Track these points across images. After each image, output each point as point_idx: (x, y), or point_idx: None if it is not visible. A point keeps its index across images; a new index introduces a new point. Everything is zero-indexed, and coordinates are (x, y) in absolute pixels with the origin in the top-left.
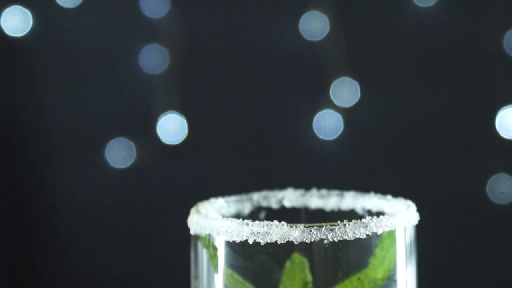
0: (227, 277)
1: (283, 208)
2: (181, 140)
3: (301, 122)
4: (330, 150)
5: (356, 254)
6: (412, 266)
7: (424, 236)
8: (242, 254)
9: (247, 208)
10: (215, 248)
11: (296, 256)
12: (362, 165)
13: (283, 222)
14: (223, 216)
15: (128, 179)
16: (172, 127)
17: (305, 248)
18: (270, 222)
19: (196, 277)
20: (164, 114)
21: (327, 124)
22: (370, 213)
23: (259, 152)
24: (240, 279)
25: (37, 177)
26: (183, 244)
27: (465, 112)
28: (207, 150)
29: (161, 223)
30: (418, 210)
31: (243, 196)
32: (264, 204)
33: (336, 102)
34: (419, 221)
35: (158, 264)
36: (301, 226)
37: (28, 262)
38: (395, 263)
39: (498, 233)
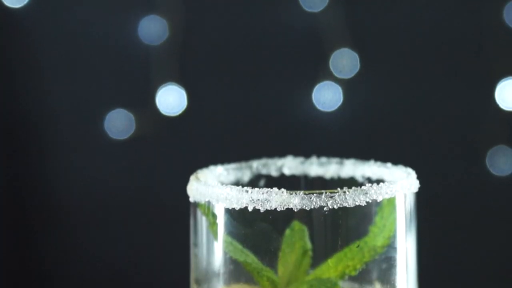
0: (226, 244)
1: (282, 176)
2: (180, 112)
3: (300, 94)
4: (330, 121)
5: (356, 222)
6: (412, 234)
7: (424, 205)
8: (242, 221)
9: (246, 176)
10: (214, 216)
11: (296, 224)
12: (361, 136)
13: (282, 189)
14: (223, 184)
15: (128, 150)
16: (171, 99)
17: (305, 215)
18: (269, 189)
19: (196, 244)
20: (163, 85)
21: (327, 96)
22: (370, 180)
23: (258, 125)
24: (240, 246)
25: (36, 149)
26: (182, 212)
27: (465, 83)
28: (207, 122)
29: (161, 192)
30: (418, 179)
31: (243, 164)
32: (264, 171)
33: (335, 73)
34: (419, 189)
35: (157, 232)
36: (301, 193)
37: (27, 232)
38: (395, 231)
39: (497, 204)
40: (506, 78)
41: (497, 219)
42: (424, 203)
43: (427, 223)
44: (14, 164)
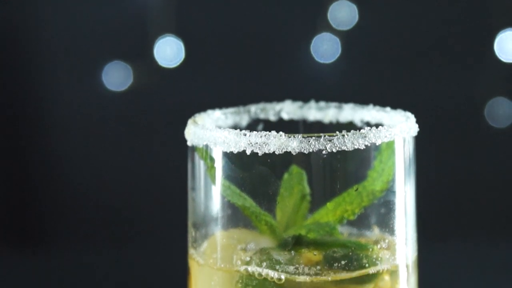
0: (224, 188)
1: (281, 120)
2: (178, 63)
3: (298, 45)
4: (328, 73)
5: (355, 166)
6: (411, 179)
7: (423, 152)
8: (240, 165)
9: (244, 120)
10: (212, 160)
11: (294, 168)
12: (360, 87)
13: (281, 133)
14: (220, 128)
15: (125, 102)
16: (169, 50)
17: (303, 159)
18: (268, 132)
19: (193, 189)
20: (161, 37)
21: (325, 48)
22: (369, 125)
23: (256, 75)
24: (238, 190)
25: (33, 101)
26: (180, 157)
27: (464, 34)
28: (205, 73)
29: (159, 138)
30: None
31: (241, 108)
32: (262, 116)
33: (333, 25)
34: (418, 136)
35: (155, 176)
36: (299, 136)
37: (25, 180)
38: (393, 175)
39: (495, 155)
40: (505, 29)
41: (495, 169)
42: (423, 150)
43: (426, 169)
44: (12, 118)
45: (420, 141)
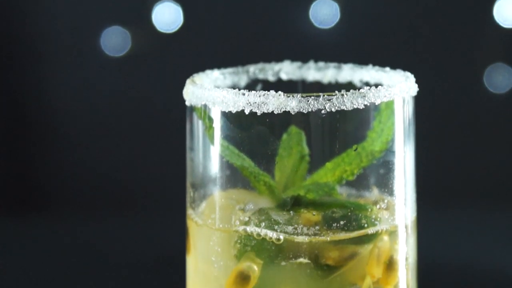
0: (223, 149)
1: (279, 80)
2: (176, 29)
3: (297, 11)
4: (327, 38)
5: (354, 126)
6: (411, 140)
7: (423, 114)
8: (238, 125)
9: (243, 81)
10: (210, 119)
11: (293, 128)
12: (359, 52)
13: (280, 92)
14: (219, 88)
15: (124, 67)
16: (167, 15)
17: (302, 120)
18: (266, 92)
19: (192, 149)
20: (159, 2)
21: (324, 13)
22: (368, 85)
23: (254, 41)
24: (236, 150)
25: (33, 66)
26: (179, 117)
27: (464, 0)
28: (203, 39)
29: (157, 101)
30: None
31: (239, 68)
32: (261, 76)
33: None
34: (418, 97)
35: (154, 137)
36: (298, 96)
37: (25, 146)
38: (393, 135)
39: (494, 120)
40: None
41: (494, 135)
42: (422, 111)
43: (425, 130)
44: (12, 84)
45: (419, 102)
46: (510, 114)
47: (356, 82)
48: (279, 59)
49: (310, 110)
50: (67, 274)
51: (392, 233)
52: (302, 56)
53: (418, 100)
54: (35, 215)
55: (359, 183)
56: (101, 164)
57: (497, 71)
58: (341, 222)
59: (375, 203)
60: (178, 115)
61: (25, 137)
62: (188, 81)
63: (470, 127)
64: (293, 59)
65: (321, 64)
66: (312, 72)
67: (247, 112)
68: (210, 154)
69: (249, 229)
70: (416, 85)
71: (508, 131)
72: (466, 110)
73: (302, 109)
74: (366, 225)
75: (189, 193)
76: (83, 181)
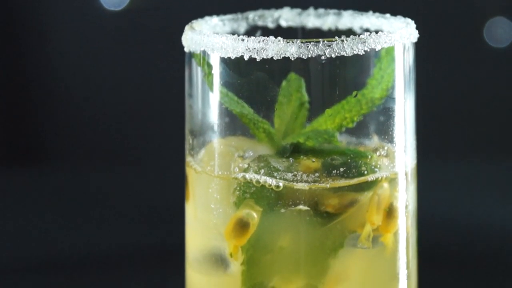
0: (222, 95)
1: (279, 27)
2: None
3: None
4: None
5: (354, 73)
6: (411, 87)
7: (423, 61)
8: (237, 71)
9: (242, 27)
10: (209, 66)
11: (293, 75)
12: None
13: (279, 38)
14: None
15: (123, 21)
16: None
17: (302, 67)
18: (266, 37)
19: (191, 95)
20: None
21: None
22: (369, 32)
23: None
24: (235, 97)
25: (32, 20)
26: (178, 64)
27: None
28: None
29: (156, 48)
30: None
31: (239, 15)
32: (260, 23)
33: None
34: (418, 45)
35: (153, 84)
36: (298, 41)
37: (25, 99)
38: (393, 82)
39: (494, 75)
40: None
41: (493, 89)
42: (423, 60)
43: (426, 80)
44: (11, 39)
45: (420, 52)
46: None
47: (356, 29)
48: (278, 5)
49: (309, 56)
50: (66, 225)
51: (392, 180)
52: (301, 2)
53: (419, 49)
54: (33, 167)
55: (359, 130)
56: (100, 112)
57: (497, 25)
58: (341, 169)
59: (375, 150)
60: (177, 62)
61: (23, 91)
62: (187, 27)
63: (470, 77)
64: (293, 5)
65: (321, 10)
66: (312, 19)
67: (246, 58)
68: (209, 101)
69: (248, 176)
70: (417, 31)
71: (508, 84)
72: (466, 64)
73: (301, 55)
74: (366, 172)
75: (188, 140)
76: (81, 129)
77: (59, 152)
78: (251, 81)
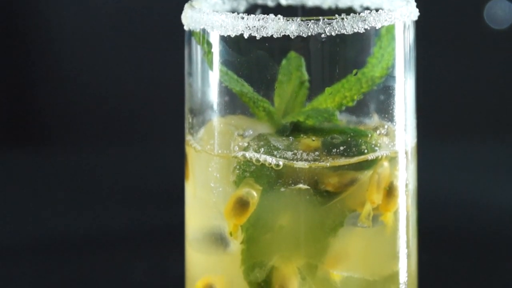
0: (221, 74)
1: (279, 6)
2: None
3: None
4: None
5: (354, 52)
6: (412, 65)
7: (423, 40)
8: (237, 49)
9: (242, 6)
10: (209, 44)
11: (292, 53)
12: None
13: (279, 16)
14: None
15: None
16: None
17: (302, 44)
18: (266, 15)
19: (190, 74)
20: None
21: None
22: (369, 10)
23: None
24: (235, 76)
25: None
26: (177, 42)
27: None
28: None
29: (156, 25)
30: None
31: None
32: (260, 1)
33: None
34: (418, 24)
35: (153, 63)
36: (298, 19)
37: (25, 77)
38: (393, 61)
39: (495, 53)
40: None
41: (494, 69)
42: (423, 39)
43: (426, 58)
44: (9, 15)
45: (420, 29)
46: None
47: (357, 7)
48: None
49: (309, 34)
50: (66, 205)
51: (392, 159)
52: None
53: (419, 28)
54: (32, 147)
55: (359, 109)
56: (99, 91)
57: (497, 6)
58: (341, 148)
59: (375, 129)
60: (177, 41)
61: (24, 67)
62: (186, 6)
63: (470, 57)
64: None
65: None
66: None
67: (246, 36)
68: (209, 80)
69: (248, 154)
70: (417, 10)
71: (509, 60)
72: (466, 45)
73: (301, 33)
74: (366, 151)
75: (188, 119)
76: (81, 109)
77: (57, 132)
78: (251, 60)
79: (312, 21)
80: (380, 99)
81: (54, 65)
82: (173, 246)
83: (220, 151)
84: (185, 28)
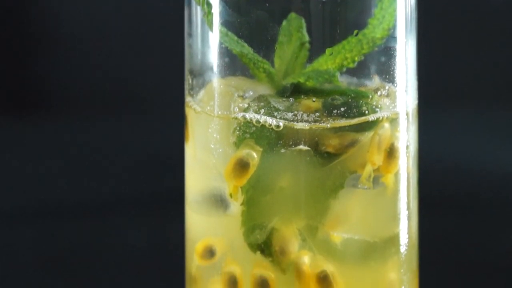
0: (222, 35)
1: None
2: None
3: None
4: None
5: (355, 13)
6: (413, 26)
7: (423, 2)
8: (237, 10)
9: None
10: (209, 5)
11: (293, 15)
12: None
13: None
14: None
15: None
16: None
17: (302, 6)
18: None
19: (190, 35)
20: None
21: None
22: None
23: None
24: (235, 37)
25: None
26: (177, 3)
27: None
28: None
29: None
30: None
31: None
32: None
33: None
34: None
35: (153, 24)
36: None
37: (25, 45)
38: (394, 22)
39: (499, 17)
40: None
41: (497, 33)
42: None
43: (427, 21)
44: None
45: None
46: None
47: None
48: None
49: None
50: (67, 172)
51: (393, 120)
52: None
53: None
54: (33, 115)
55: (360, 71)
56: (98, 52)
57: None
58: (342, 109)
59: (376, 90)
60: (177, 1)
61: (24, 37)
62: None
63: (474, 19)
64: None
65: None
66: None
67: None
68: (209, 41)
69: (248, 115)
70: None
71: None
72: (470, 3)
73: None
74: (367, 112)
75: (188, 80)
76: (80, 72)
77: (56, 97)
78: (251, 21)
79: None
80: (381, 60)
81: (51, 30)
82: (173, 209)
83: (220, 112)
84: None
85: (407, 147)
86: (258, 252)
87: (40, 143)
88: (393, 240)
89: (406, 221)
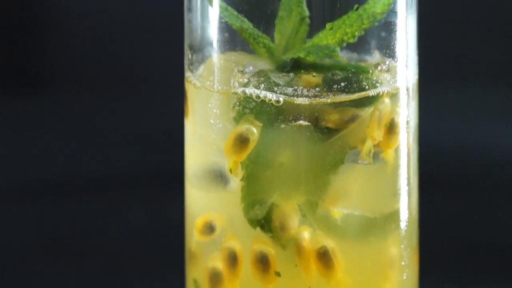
0: (221, 10)
1: None
2: None
3: None
4: None
5: None
6: (413, 2)
7: None
8: None
9: None
10: None
11: None
12: None
13: None
14: None
15: None
16: None
17: None
18: None
19: (190, 9)
20: None
21: None
22: None
23: None
24: (235, 12)
25: None
26: None
27: None
28: None
29: None
30: None
31: None
32: None
33: None
34: None
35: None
36: None
37: (24, 26)
38: None
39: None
40: None
41: (499, 9)
42: None
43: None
44: None
45: None
46: None
47: None
48: None
49: None
50: (68, 146)
51: (394, 96)
52: None
53: None
54: (34, 93)
55: (360, 47)
56: (98, 27)
57: None
58: (342, 84)
59: (377, 65)
60: None
61: (24, 16)
62: None
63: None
64: None
65: None
66: None
67: None
68: (209, 16)
69: (248, 90)
70: None
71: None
72: None
73: None
74: (367, 87)
75: (187, 55)
76: (78, 48)
77: (57, 73)
78: None
79: None
80: (382, 35)
81: (50, 6)
82: (173, 185)
83: (220, 88)
84: None
85: (407, 122)
86: (258, 228)
87: (40, 121)
88: (393, 215)
89: (406, 197)
